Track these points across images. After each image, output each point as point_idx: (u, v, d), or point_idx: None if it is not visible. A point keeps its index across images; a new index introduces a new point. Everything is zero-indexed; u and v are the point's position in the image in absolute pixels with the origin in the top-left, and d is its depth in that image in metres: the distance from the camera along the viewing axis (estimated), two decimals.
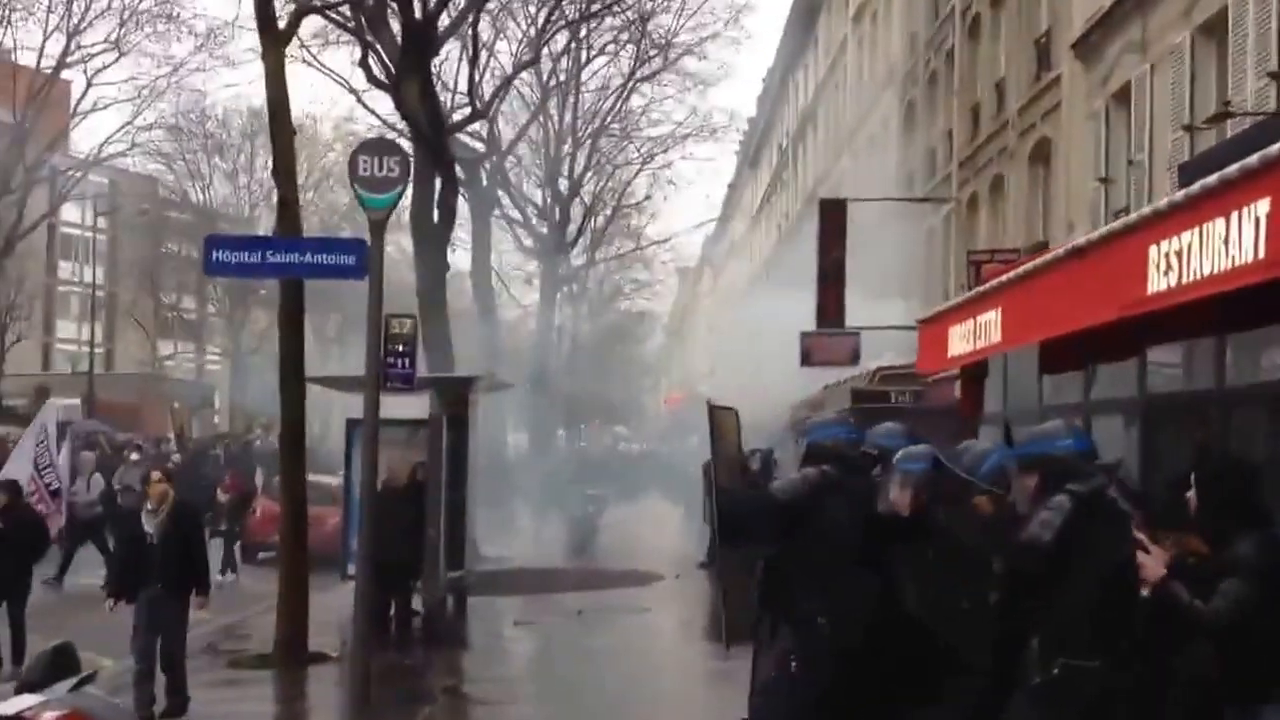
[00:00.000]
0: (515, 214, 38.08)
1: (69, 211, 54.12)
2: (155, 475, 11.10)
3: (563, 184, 38.10)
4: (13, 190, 38.38)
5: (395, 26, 20.44)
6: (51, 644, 5.57)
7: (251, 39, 30.26)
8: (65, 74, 39.95)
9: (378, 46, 20.73)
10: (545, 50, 31.72)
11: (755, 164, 56.76)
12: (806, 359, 22.48)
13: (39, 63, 39.04)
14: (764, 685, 6.48)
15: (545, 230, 38.25)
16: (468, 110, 23.63)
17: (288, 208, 13.01)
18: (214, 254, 11.05)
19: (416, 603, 15.84)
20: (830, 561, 6.17)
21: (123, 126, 41.17)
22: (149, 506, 10.92)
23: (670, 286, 71.36)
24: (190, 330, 56.94)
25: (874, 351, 21.73)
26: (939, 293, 23.16)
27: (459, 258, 34.80)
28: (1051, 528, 5.31)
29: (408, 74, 19.49)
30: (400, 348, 11.50)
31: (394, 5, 19.64)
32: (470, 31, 21.63)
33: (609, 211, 43.53)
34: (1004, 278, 8.70)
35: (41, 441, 16.45)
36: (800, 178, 42.76)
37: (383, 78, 21.20)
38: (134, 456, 22.01)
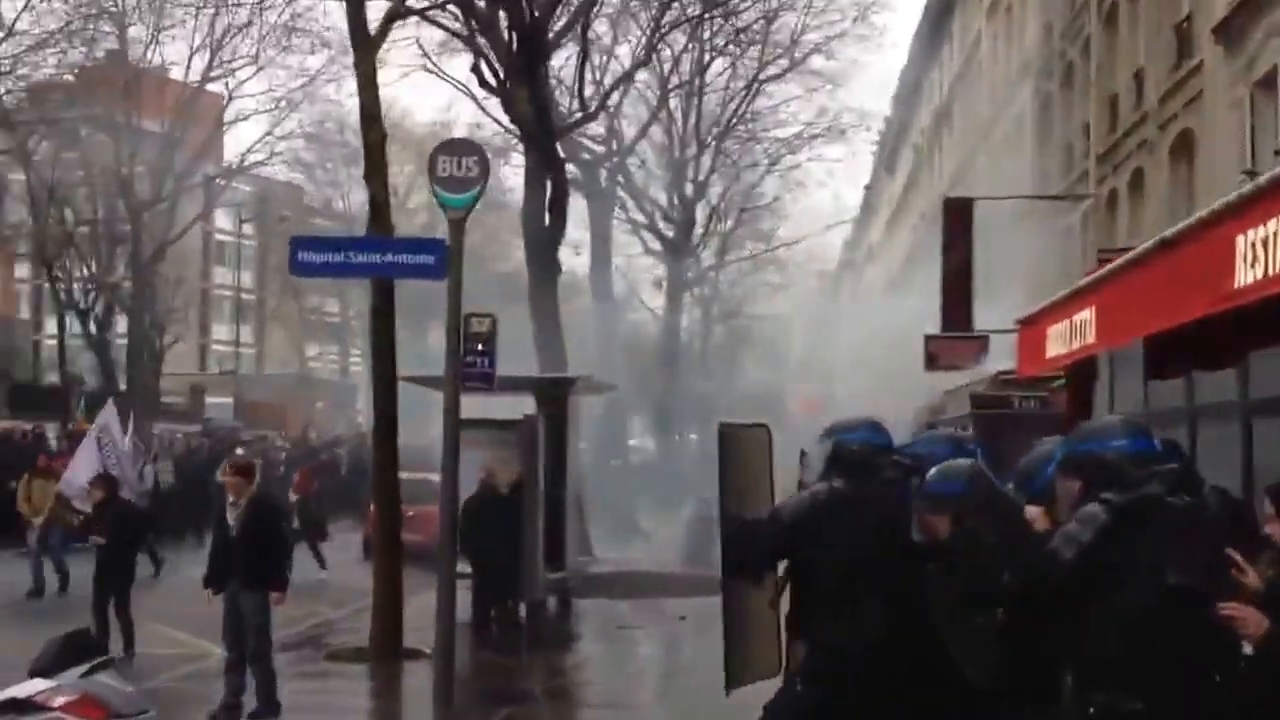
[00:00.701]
0: (640, 217, 37.84)
1: (221, 219, 55.63)
2: (228, 469, 11.11)
3: (688, 186, 37.73)
4: (164, 199, 39.52)
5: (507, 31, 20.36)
6: (65, 630, 5.47)
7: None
8: (209, 87, 40.99)
9: (488, 52, 20.69)
10: (666, 51, 31.56)
11: (891, 165, 55.76)
12: (931, 363, 21.73)
13: (186, 76, 40.17)
14: (770, 703, 6.13)
15: (671, 233, 37.92)
16: (582, 112, 23.46)
17: (379, 209, 12.98)
18: (299, 254, 11.03)
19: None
20: (838, 583, 5.72)
21: (262, 137, 42.17)
22: (230, 500, 10.93)
23: (805, 290, 70.55)
24: (334, 332, 58.10)
25: (1007, 355, 20.89)
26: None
27: (583, 261, 34.90)
28: (1075, 544, 4.51)
29: (517, 78, 19.40)
30: (480, 347, 11.31)
31: (504, 10, 19.55)
32: (581, 34, 21.45)
33: (736, 214, 43.00)
34: (1098, 274, 8.11)
35: (105, 441, 17.29)
36: (935, 178, 41.82)
37: (494, 82, 21.15)
38: (239, 452, 22.10)
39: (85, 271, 40.89)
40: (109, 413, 18.35)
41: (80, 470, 16.95)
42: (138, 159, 39.61)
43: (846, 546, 5.69)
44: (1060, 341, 9.09)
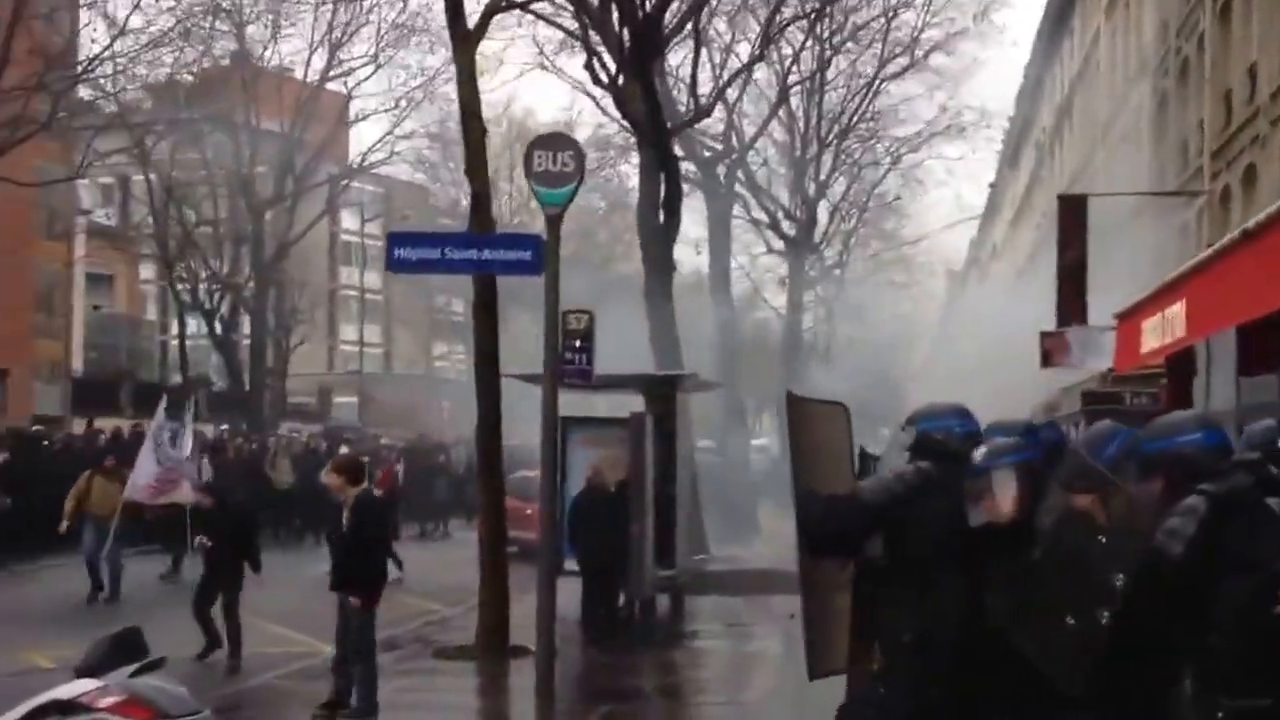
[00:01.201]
0: (762, 215, 37.59)
1: (348, 219, 56.46)
2: (329, 468, 11.12)
3: (809, 184, 37.40)
4: (285, 199, 40.08)
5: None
6: (114, 630, 5.42)
7: (493, 47, 30.88)
8: (328, 86, 41.52)
9: (601, 50, 20.61)
10: (787, 49, 31.29)
11: (1015, 162, 54.75)
12: (1046, 360, 21.35)
13: (305, 75, 40.74)
14: (847, 706, 5.73)
15: (793, 232, 37.62)
16: (694, 108, 23.29)
17: (480, 204, 12.94)
18: (396, 251, 11.04)
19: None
20: (922, 572, 5.33)
21: (383, 137, 42.56)
22: (341, 499, 10.96)
23: (932, 290, 69.55)
24: (461, 332, 58.62)
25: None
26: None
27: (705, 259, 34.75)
28: (1182, 538, 4.27)
29: (630, 75, 19.29)
30: (577, 343, 11.21)
31: (616, 7, 19.44)
32: (694, 31, 21.27)
33: (858, 213, 42.56)
34: (1186, 267, 7.78)
35: (160, 440, 17.49)
36: (1057, 175, 40.97)
37: (606, 80, 21.07)
38: (342, 450, 22.09)
39: (208, 272, 41.66)
40: (159, 414, 18.41)
41: (141, 471, 17.22)
42: (259, 158, 40.27)
43: (932, 532, 5.34)
44: (1154, 335, 8.83)
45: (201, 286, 41.99)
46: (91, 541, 17.57)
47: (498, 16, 15.22)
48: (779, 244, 38.98)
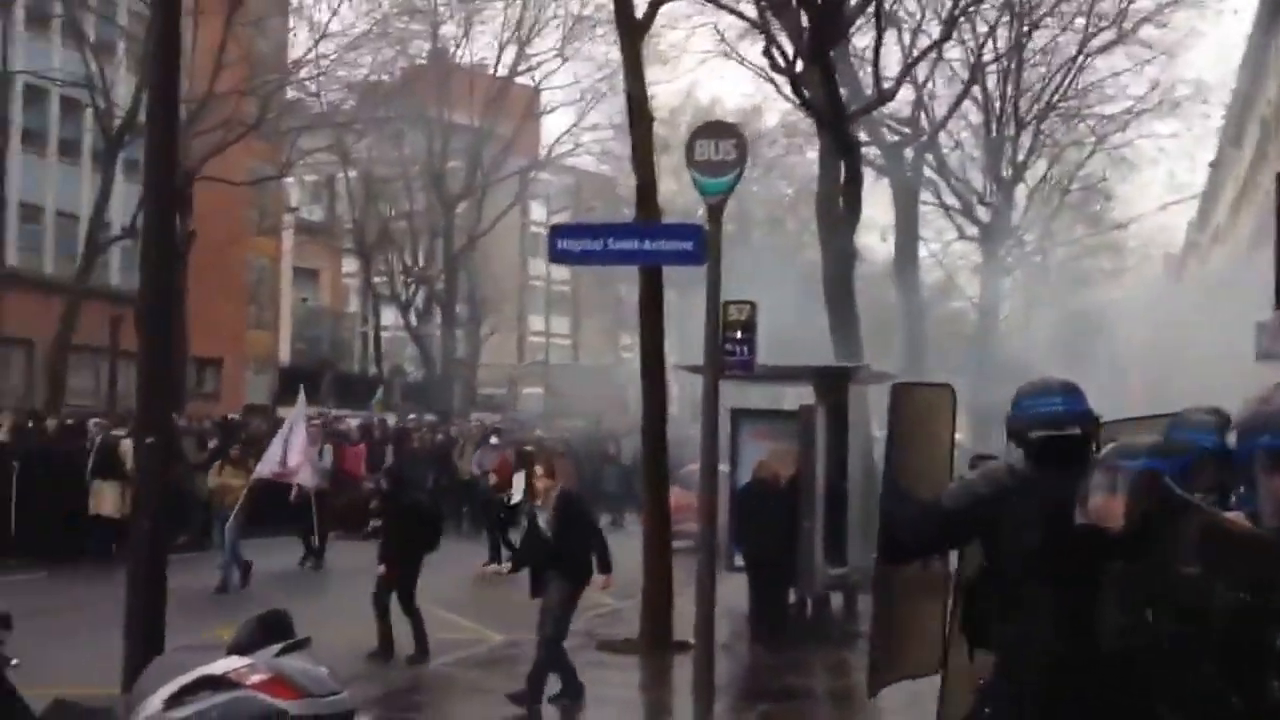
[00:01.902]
0: (954, 201, 36.89)
1: (536, 210, 57.49)
2: (537, 471, 11.57)
3: (1005, 167, 36.54)
4: (475, 191, 41.21)
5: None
6: (261, 611, 5.75)
7: (675, 36, 31.09)
8: (518, 80, 42.49)
9: (780, 35, 20.52)
10: (983, 26, 30.63)
11: (1238, 139, 52.44)
12: (1265, 352, 20.40)
13: (495, 71, 41.76)
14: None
15: (988, 217, 36.83)
16: (876, 92, 22.97)
17: (646, 195, 13.08)
18: (559, 243, 11.23)
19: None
20: (1017, 580, 4.79)
21: (569, 129, 43.32)
22: (538, 502, 11.43)
23: (1145, 276, 67.25)
24: None
25: None
26: None
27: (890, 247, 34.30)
28: None
29: (808, 61, 19.16)
30: (739, 334, 11.26)
31: None
32: (875, 12, 20.97)
33: (1060, 195, 41.38)
34: None
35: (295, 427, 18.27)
36: None
37: (785, 66, 20.99)
38: (494, 440, 22.27)
39: (403, 264, 43.05)
40: (301, 401, 19.58)
41: (270, 455, 18.07)
42: (450, 153, 41.44)
43: (1024, 538, 4.77)
44: None
45: (398, 279, 43.41)
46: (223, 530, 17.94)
47: (668, 6, 15.36)
48: (972, 230, 38.24)
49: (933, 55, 27.83)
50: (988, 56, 32.30)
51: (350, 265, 52.78)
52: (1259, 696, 3.65)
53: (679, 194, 52.50)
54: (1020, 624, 4.76)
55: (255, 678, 5.29)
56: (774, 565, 14.90)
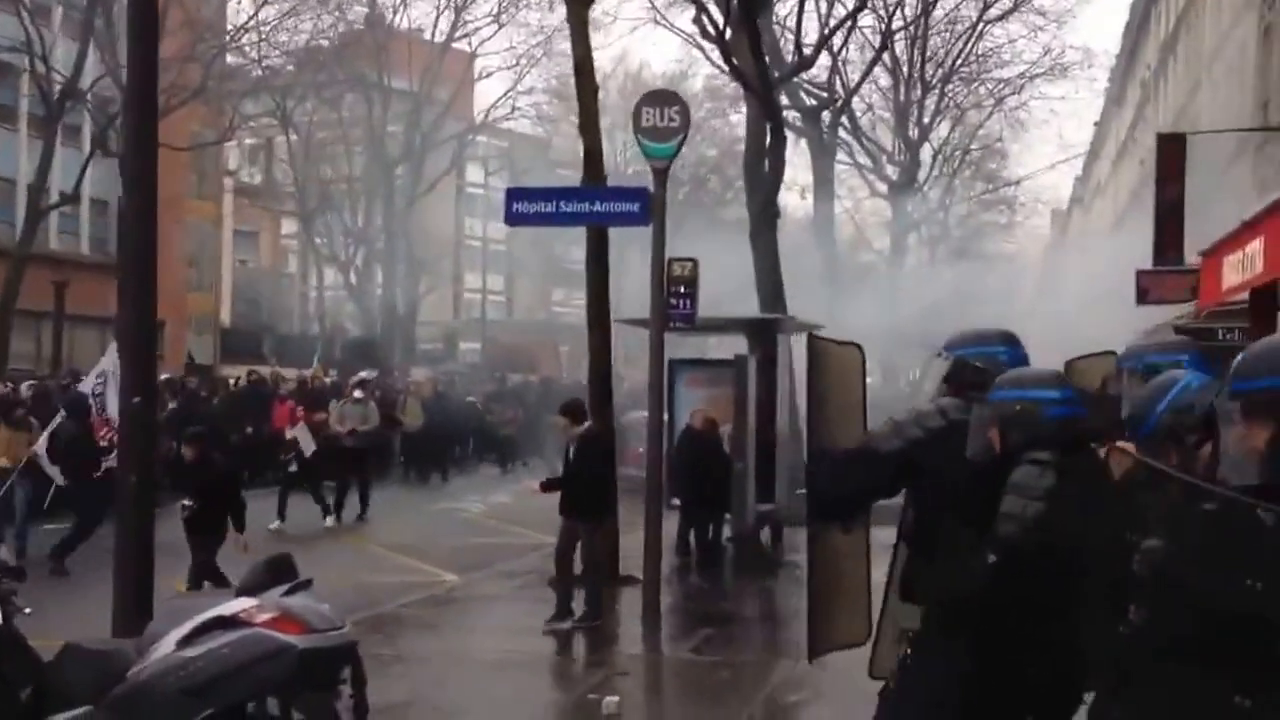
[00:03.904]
0: (866, 160, 37.29)
1: (472, 173, 57.07)
2: (558, 411, 11.95)
3: (913, 129, 36.98)
4: (414, 155, 40.86)
5: None
6: (268, 555, 5.83)
7: (610, 2, 30.96)
8: (456, 45, 42.03)
9: (708, 3, 20.53)
10: None
11: (1120, 100, 53.30)
12: (1143, 297, 21.04)
13: (433, 36, 41.27)
14: (885, 688, 4.77)
15: (896, 176, 37.29)
16: (797, 58, 23.11)
17: (592, 159, 13.10)
18: (514, 205, 11.27)
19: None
20: (948, 530, 4.41)
21: (505, 93, 43.01)
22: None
23: (1037, 228, 68.27)
24: (577, 279, 59.00)
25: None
26: None
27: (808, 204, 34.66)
28: None
29: (737, 28, 19.21)
30: (682, 289, 11.37)
31: None
32: None
33: (961, 154, 42.00)
34: (1265, 205, 7.72)
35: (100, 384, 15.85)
36: (1161, 112, 39.87)
37: (714, 33, 21.02)
38: (358, 395, 21.11)
39: (343, 226, 42.66)
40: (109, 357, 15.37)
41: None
42: (390, 118, 41.02)
43: (957, 482, 4.40)
44: (1235, 271, 8.74)
45: (338, 240, 43.02)
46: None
47: None
48: (882, 188, 38.68)
49: (847, 23, 28.01)
50: (897, 25, 32.60)
51: (289, 227, 52.14)
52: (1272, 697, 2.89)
53: (608, 155, 52.47)
54: (944, 566, 4.42)
55: (264, 616, 5.37)
56: (707, 504, 15.21)
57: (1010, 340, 4.87)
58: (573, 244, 54.42)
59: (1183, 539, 3.13)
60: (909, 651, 4.61)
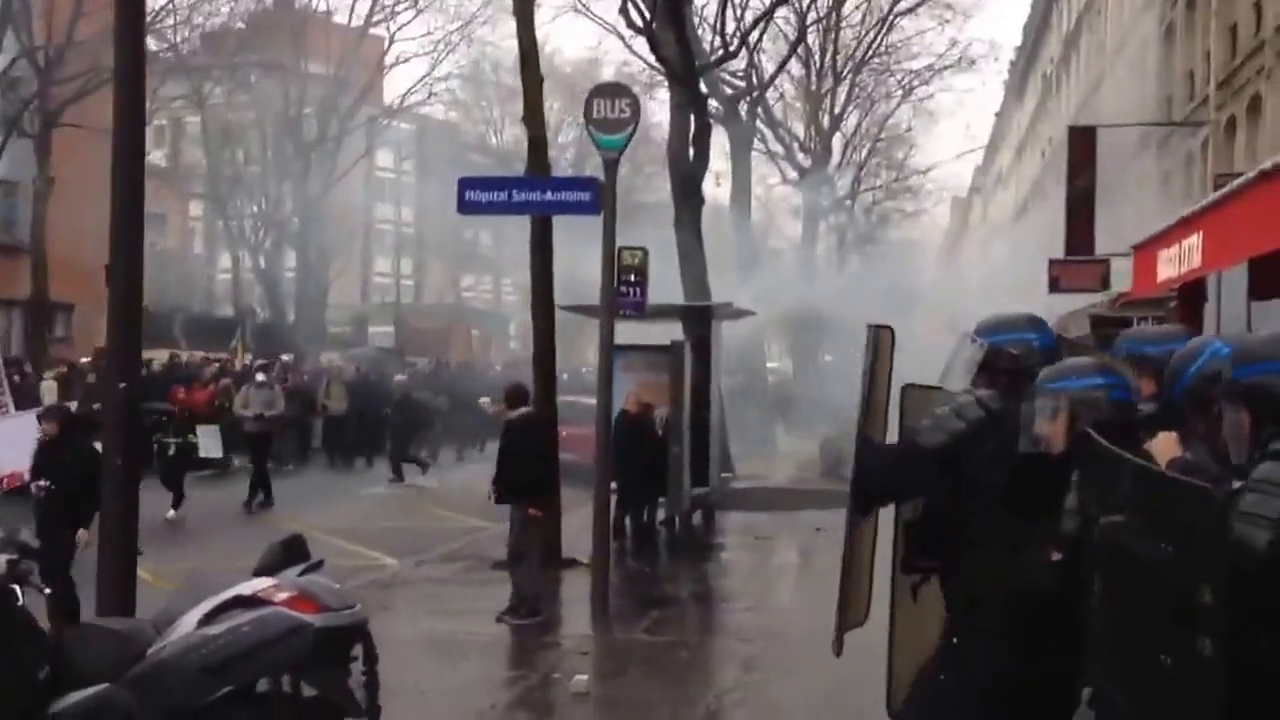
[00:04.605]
0: (779, 148, 37.83)
1: (382, 157, 56.65)
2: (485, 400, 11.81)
3: (824, 118, 37.60)
4: (328, 139, 40.53)
5: None
6: (283, 536, 5.98)
7: None
8: (374, 31, 41.77)
9: None
10: None
11: (1021, 92, 54.60)
12: (1054, 286, 21.73)
13: (350, 21, 41.01)
14: (917, 695, 4.68)
15: (808, 164, 37.88)
16: (723, 50, 23.47)
17: (537, 149, 13.25)
18: (466, 194, 11.35)
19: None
20: (989, 524, 4.32)
21: (422, 78, 42.88)
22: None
23: (938, 216, 69.62)
24: (488, 264, 58.94)
25: (1129, 279, 20.65)
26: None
27: (725, 192, 35.04)
28: (1271, 520, 3.06)
29: (662, 18, 19.50)
30: (632, 277, 11.61)
31: None
32: None
33: (870, 144, 42.78)
34: (1204, 202, 8.19)
35: None
36: (1064, 104, 40.99)
37: (640, 23, 21.28)
38: (259, 378, 21.00)
39: (255, 209, 42.16)
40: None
41: None
42: (305, 101, 40.64)
43: (994, 471, 4.32)
44: (1170, 265, 9.18)
45: (247, 223, 42.49)
46: None
47: None
48: (794, 175, 39.25)
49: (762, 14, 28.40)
50: (811, 17, 33.10)
51: (197, 209, 51.32)
52: (1186, 654, 3.05)
53: (523, 142, 52.43)
54: (987, 558, 4.33)
55: (282, 595, 5.52)
56: (643, 488, 15.47)
57: (1039, 325, 4.83)
58: (482, 229, 54.58)
59: (1130, 509, 3.45)
60: (952, 637, 4.47)
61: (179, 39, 32.54)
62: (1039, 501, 4.07)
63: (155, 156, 46.85)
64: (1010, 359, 4.60)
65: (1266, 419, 3.32)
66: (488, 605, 11.59)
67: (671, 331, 16.65)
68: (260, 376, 21.05)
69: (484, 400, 16.39)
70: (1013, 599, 4.21)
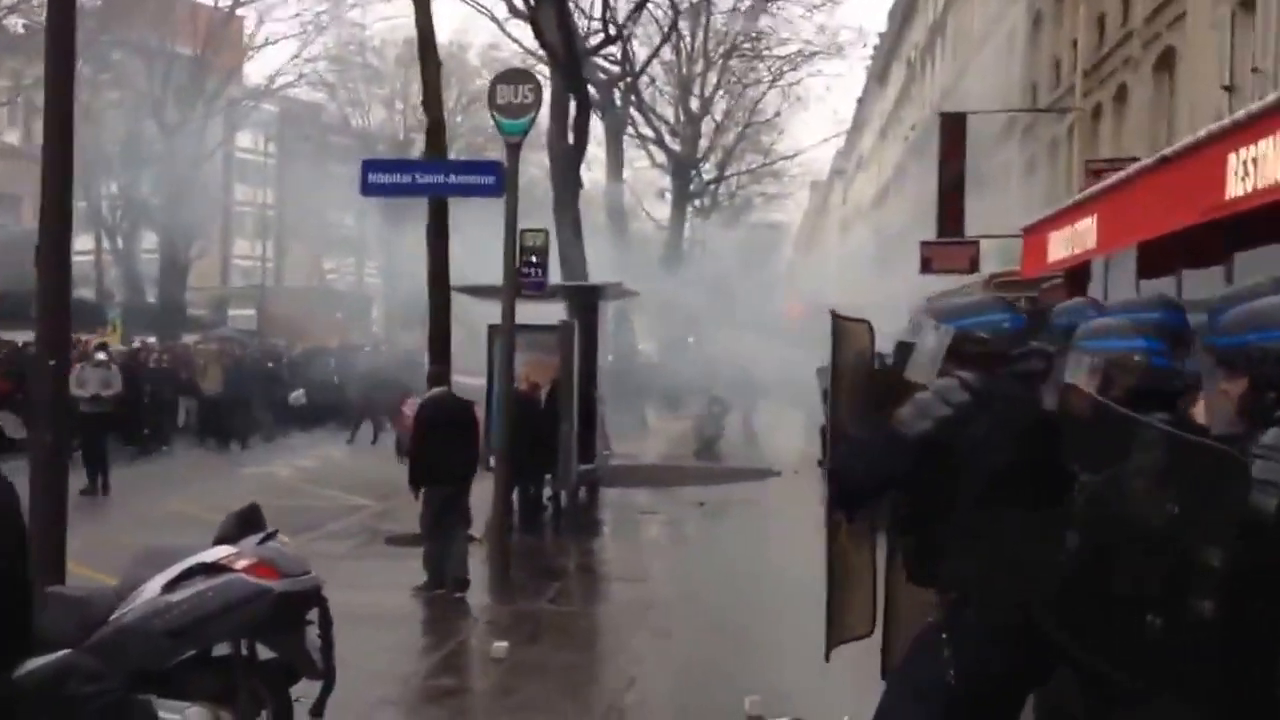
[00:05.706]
0: (649, 132, 38.31)
1: (243, 139, 55.66)
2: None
3: (694, 103, 38.18)
4: (192, 120, 39.84)
5: None
6: (240, 506, 6.20)
7: None
8: (240, 11, 41.17)
9: None
10: None
11: (884, 78, 55.89)
12: (926, 267, 22.60)
13: (216, 2, 40.29)
14: (917, 686, 4.31)
15: (677, 147, 38.42)
16: (604, 34, 23.82)
17: (436, 131, 13.45)
18: (370, 176, 11.52)
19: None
20: (980, 511, 4.12)
21: (291, 59, 42.36)
22: None
23: (800, 200, 70.90)
24: (351, 246, 58.32)
25: (997, 261, 21.61)
26: (1062, 202, 22.74)
27: (595, 175, 35.39)
28: None
29: (546, 5, 19.75)
30: (534, 258, 11.90)
31: None
32: None
33: (739, 128, 43.49)
34: (1098, 187, 8.82)
35: None
36: (927, 91, 42.14)
37: (522, 7, 21.52)
38: (100, 356, 20.12)
39: (112, 190, 41.21)
40: None
41: None
42: (169, 81, 39.86)
43: (992, 457, 4.17)
44: (1063, 246, 9.77)
45: (104, 204, 41.50)
46: None
47: None
48: (663, 158, 39.78)
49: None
50: (684, 3, 33.57)
51: None
52: (1178, 615, 3.16)
53: (387, 122, 52.03)
54: (984, 553, 4.13)
55: (243, 562, 5.77)
56: (531, 465, 15.76)
57: (1010, 306, 4.70)
58: (344, 212, 54.01)
59: (1122, 467, 3.49)
60: (945, 649, 4.23)
61: (34, 19, 31.50)
62: (1040, 488, 3.92)
63: (10, 136, 45.44)
64: (979, 342, 4.43)
65: (1270, 386, 3.33)
66: (390, 579, 11.81)
67: (552, 311, 16.94)
68: (100, 355, 20.16)
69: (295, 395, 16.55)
70: (1010, 595, 4.01)
